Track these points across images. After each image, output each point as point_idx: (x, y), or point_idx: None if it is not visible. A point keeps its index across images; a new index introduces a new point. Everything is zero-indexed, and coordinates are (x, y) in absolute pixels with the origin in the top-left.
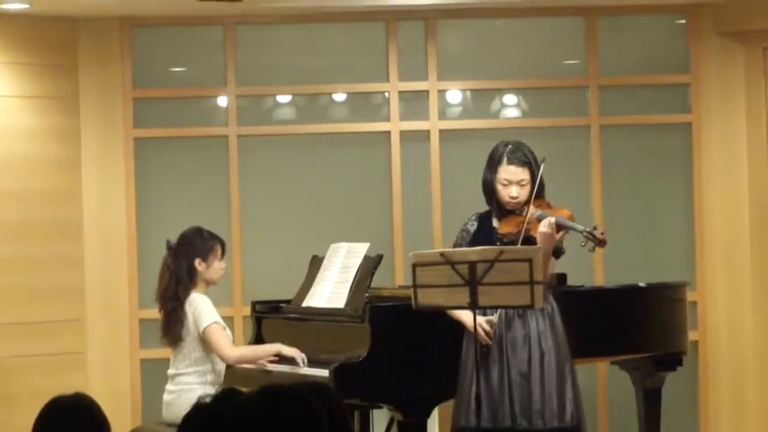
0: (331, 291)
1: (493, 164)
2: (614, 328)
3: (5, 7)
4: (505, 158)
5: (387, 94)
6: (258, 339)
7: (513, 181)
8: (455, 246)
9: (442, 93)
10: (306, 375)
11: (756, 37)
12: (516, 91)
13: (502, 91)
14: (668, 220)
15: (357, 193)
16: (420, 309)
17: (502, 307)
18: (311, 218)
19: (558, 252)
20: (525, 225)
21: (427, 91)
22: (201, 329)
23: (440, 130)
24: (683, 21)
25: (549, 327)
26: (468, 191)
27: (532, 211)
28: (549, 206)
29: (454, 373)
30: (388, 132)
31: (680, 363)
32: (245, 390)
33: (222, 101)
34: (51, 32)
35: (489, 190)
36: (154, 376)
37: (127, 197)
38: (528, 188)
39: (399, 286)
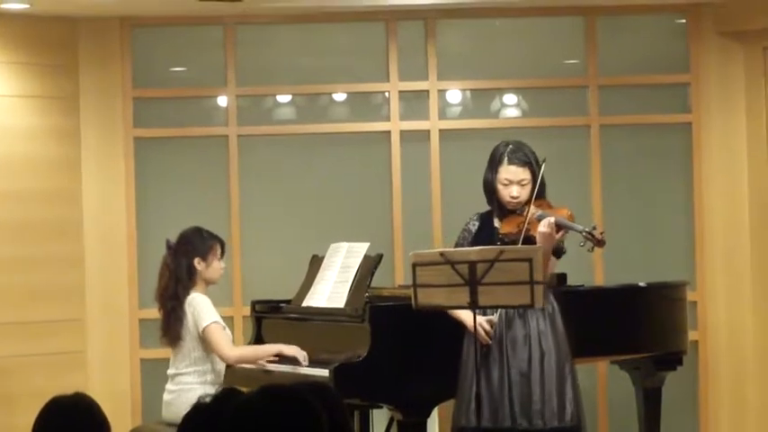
0: (331, 290)
1: (494, 164)
2: (614, 328)
3: (5, 7)
4: (506, 158)
5: (387, 93)
6: (258, 339)
7: (513, 181)
8: (457, 245)
9: (441, 92)
10: (306, 375)
11: (756, 37)
12: (516, 91)
13: (502, 91)
14: (668, 220)
15: (357, 193)
16: (420, 308)
17: (502, 307)
18: (311, 218)
19: (559, 252)
20: (525, 225)
21: (427, 91)
22: (201, 329)
23: (440, 130)
24: (683, 20)
25: (550, 326)
26: (468, 191)
27: (533, 210)
28: (549, 206)
29: (454, 373)
30: (388, 132)
31: (680, 362)
32: (245, 390)
33: (222, 101)
34: (51, 32)
35: (490, 190)
36: (154, 376)
37: (127, 197)
38: (529, 188)
39: (399, 286)
